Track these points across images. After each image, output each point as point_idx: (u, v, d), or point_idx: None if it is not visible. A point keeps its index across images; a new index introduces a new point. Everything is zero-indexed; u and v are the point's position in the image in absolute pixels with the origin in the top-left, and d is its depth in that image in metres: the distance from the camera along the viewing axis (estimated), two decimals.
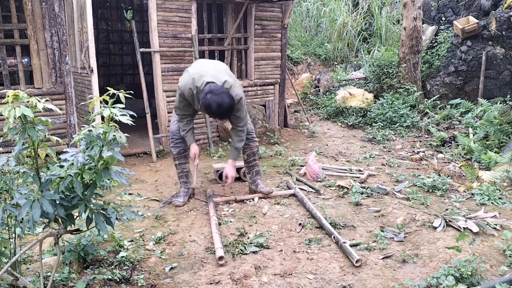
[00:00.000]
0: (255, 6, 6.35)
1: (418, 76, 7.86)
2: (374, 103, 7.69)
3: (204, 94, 3.33)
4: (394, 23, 10.64)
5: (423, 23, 8.18)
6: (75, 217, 2.33)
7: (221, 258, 2.78)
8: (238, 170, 4.42)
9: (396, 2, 11.01)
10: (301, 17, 12.42)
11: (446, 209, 3.64)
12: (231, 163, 3.79)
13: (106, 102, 2.21)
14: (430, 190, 4.13)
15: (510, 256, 2.76)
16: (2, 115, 1.94)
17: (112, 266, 2.70)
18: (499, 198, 3.81)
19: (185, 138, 3.75)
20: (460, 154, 5.32)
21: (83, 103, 4.28)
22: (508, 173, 4.25)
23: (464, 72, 7.48)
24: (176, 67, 5.86)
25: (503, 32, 6.95)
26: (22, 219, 2.07)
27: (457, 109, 7.25)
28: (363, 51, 10.27)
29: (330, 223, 3.31)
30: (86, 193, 2.23)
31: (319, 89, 9.19)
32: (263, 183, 4.11)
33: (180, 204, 3.82)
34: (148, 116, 5.62)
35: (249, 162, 4.06)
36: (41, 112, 2.10)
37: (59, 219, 2.25)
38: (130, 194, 4.17)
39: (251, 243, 3.06)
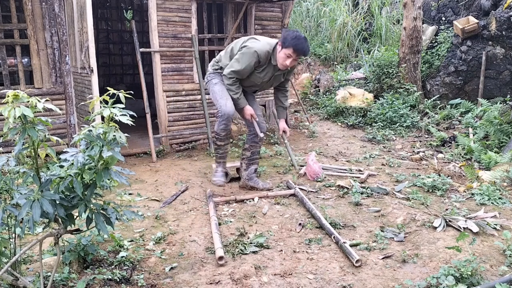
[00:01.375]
0: (255, 6, 6.36)
1: (418, 76, 7.86)
2: (374, 103, 7.69)
3: (285, 32, 3.68)
4: (394, 23, 10.64)
5: (423, 23, 8.18)
6: (75, 217, 2.33)
7: (221, 258, 2.78)
8: (237, 170, 4.43)
9: (396, 2, 11.01)
10: (301, 17, 12.42)
11: (446, 209, 3.64)
12: (283, 121, 4.18)
13: (106, 102, 2.21)
14: (430, 190, 4.13)
15: (510, 256, 2.76)
16: (2, 115, 1.94)
17: (112, 266, 2.70)
18: (499, 198, 3.81)
19: (239, 101, 3.86)
20: (460, 154, 5.32)
21: (83, 103, 4.27)
22: (508, 173, 4.25)
23: (464, 72, 7.48)
24: (176, 67, 5.87)
25: (503, 32, 6.95)
26: (22, 219, 2.07)
27: (457, 109, 7.25)
28: (363, 51, 10.27)
29: (330, 223, 3.31)
30: (86, 193, 2.23)
31: (319, 89, 9.19)
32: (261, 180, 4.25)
33: (222, 184, 4.01)
34: (148, 116, 5.62)
35: (252, 159, 4.15)
36: (41, 112, 2.10)
37: (59, 219, 2.25)
38: (130, 194, 4.17)
39: (251, 243, 3.06)
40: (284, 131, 4.16)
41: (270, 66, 3.81)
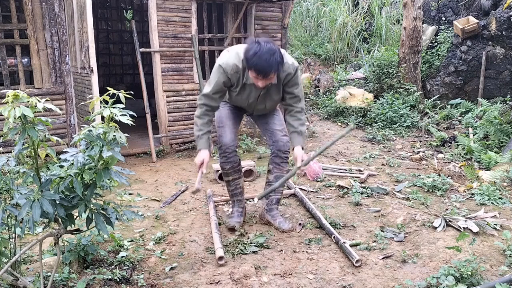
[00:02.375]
0: (255, 6, 6.35)
1: (418, 76, 7.86)
2: (374, 103, 7.69)
3: (249, 45, 2.73)
4: (394, 23, 10.64)
5: (423, 23, 8.18)
6: (75, 217, 2.33)
7: (221, 258, 2.78)
8: (249, 172, 4.41)
9: (396, 2, 11.01)
10: (301, 17, 12.42)
11: (446, 209, 3.64)
12: (299, 148, 3.01)
13: (106, 102, 2.21)
14: (430, 190, 4.13)
15: (510, 256, 2.76)
16: (2, 115, 1.94)
17: (112, 266, 2.70)
18: (499, 198, 3.81)
19: (198, 139, 3.03)
20: (460, 154, 5.32)
21: (83, 103, 4.28)
22: (508, 173, 4.25)
23: (464, 72, 7.48)
24: (176, 67, 5.87)
25: (503, 32, 6.95)
26: (22, 219, 2.07)
27: (457, 109, 7.25)
28: (363, 51, 10.27)
29: (330, 223, 3.31)
30: (86, 193, 2.23)
31: (319, 89, 9.19)
32: (281, 216, 3.43)
33: (238, 224, 3.27)
34: (148, 116, 5.62)
35: (273, 171, 3.34)
36: (41, 112, 2.10)
37: (59, 219, 2.25)
38: (130, 194, 4.17)
39: (251, 243, 3.06)
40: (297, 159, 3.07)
41: (248, 84, 2.95)
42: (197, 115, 3.03)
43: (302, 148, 3.03)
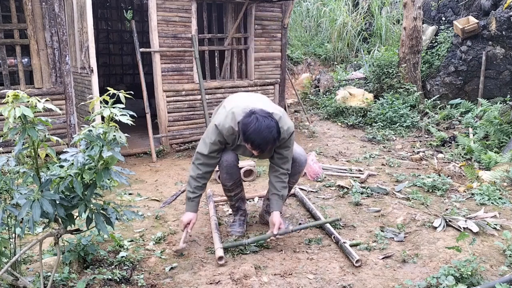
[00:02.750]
0: (255, 6, 6.35)
1: (418, 76, 7.86)
2: (374, 103, 7.69)
3: (246, 118, 2.72)
4: (394, 23, 10.64)
5: (423, 23, 8.18)
6: (75, 217, 2.33)
7: (220, 258, 2.78)
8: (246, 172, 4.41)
9: (396, 2, 11.01)
10: (301, 17, 12.41)
11: (446, 209, 3.64)
12: (277, 215, 2.98)
13: (106, 102, 2.21)
14: (430, 190, 4.13)
15: (510, 256, 2.76)
16: (2, 115, 1.94)
17: (112, 266, 2.70)
18: (499, 198, 3.81)
19: (189, 201, 2.97)
20: (460, 154, 5.32)
21: (83, 103, 4.28)
22: (508, 173, 4.25)
23: (464, 72, 7.48)
24: (176, 67, 5.87)
25: (503, 32, 6.95)
26: (22, 219, 2.07)
27: (457, 109, 7.25)
28: (363, 51, 10.27)
29: (330, 223, 3.30)
30: (86, 193, 2.23)
31: (319, 89, 9.19)
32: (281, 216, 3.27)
33: (240, 234, 3.20)
34: (148, 116, 5.62)
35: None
36: (41, 112, 2.10)
37: (59, 219, 2.25)
38: (130, 194, 4.17)
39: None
40: (274, 225, 2.98)
41: (243, 145, 2.87)
42: (193, 176, 2.93)
43: (280, 213, 3.02)
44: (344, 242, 2.95)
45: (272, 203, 3.04)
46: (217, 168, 3.30)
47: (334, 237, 3.07)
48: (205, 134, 2.94)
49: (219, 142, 2.87)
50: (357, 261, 2.74)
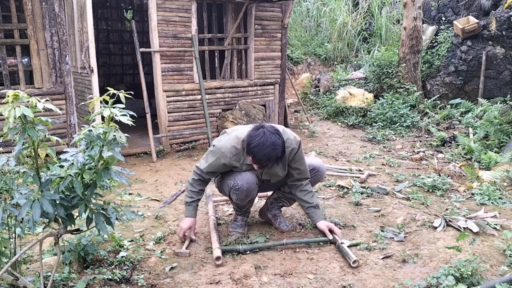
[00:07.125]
0: (255, 6, 6.36)
1: (418, 76, 7.86)
2: (374, 103, 7.69)
3: (254, 130, 2.69)
4: (394, 23, 10.64)
5: (423, 23, 8.18)
6: (75, 217, 2.33)
7: (218, 258, 2.77)
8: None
9: (396, 2, 11.01)
10: (301, 17, 12.42)
11: (446, 209, 3.64)
12: (323, 223, 3.07)
13: (106, 102, 2.21)
14: (430, 190, 4.13)
15: (510, 256, 2.76)
16: (2, 115, 1.94)
17: (112, 266, 2.70)
18: (499, 198, 3.81)
19: (188, 205, 3.01)
20: (460, 154, 5.32)
21: (83, 103, 4.28)
22: (508, 173, 4.25)
23: (464, 72, 7.48)
24: (176, 67, 5.87)
25: (503, 32, 6.95)
26: (22, 219, 2.07)
27: (457, 109, 7.25)
28: (363, 51, 10.27)
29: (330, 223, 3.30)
30: (86, 193, 2.23)
31: (319, 89, 9.20)
32: (282, 216, 3.39)
33: (240, 235, 3.15)
34: (148, 116, 5.62)
35: (281, 199, 3.34)
36: (41, 112, 2.10)
37: (59, 219, 2.25)
38: (130, 194, 4.17)
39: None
40: (330, 231, 3.07)
41: (249, 164, 2.84)
42: (191, 182, 2.98)
43: (323, 219, 3.10)
44: (341, 243, 2.94)
45: (312, 216, 3.13)
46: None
47: (333, 237, 3.07)
48: (205, 156, 2.95)
49: (223, 163, 2.84)
50: (354, 261, 2.73)
